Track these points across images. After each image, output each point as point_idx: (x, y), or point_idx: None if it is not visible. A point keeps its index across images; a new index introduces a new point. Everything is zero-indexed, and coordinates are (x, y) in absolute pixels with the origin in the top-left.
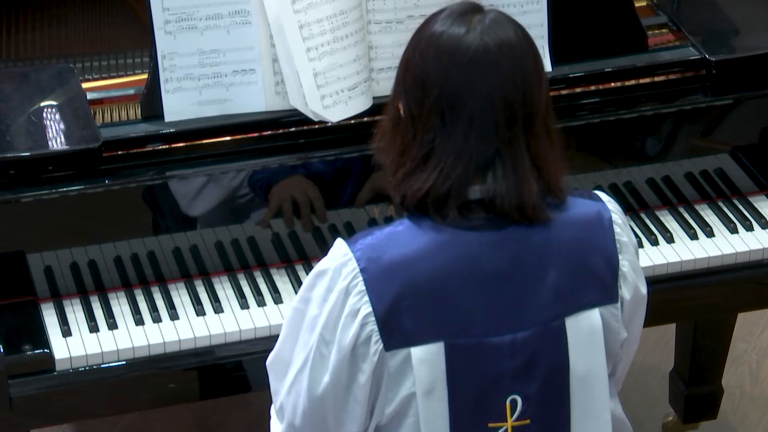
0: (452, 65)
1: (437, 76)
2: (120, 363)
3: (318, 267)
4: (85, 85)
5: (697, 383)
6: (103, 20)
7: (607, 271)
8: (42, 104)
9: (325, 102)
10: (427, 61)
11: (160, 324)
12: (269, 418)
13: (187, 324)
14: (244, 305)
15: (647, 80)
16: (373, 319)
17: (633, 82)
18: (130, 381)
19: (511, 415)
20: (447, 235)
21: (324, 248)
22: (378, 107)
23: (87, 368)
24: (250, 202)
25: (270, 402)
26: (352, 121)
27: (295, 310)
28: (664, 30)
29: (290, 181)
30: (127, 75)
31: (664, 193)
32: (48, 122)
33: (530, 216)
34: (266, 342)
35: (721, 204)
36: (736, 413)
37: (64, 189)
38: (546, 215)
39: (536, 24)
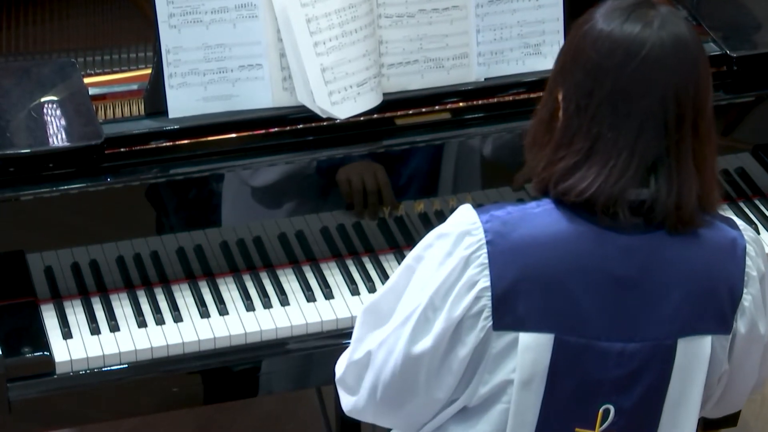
0: (628, 60)
1: (611, 69)
2: (122, 366)
3: (440, 229)
4: (87, 81)
5: None
6: (106, 14)
7: (728, 302)
8: (43, 100)
9: (333, 98)
10: (601, 54)
11: (163, 326)
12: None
13: (191, 326)
14: (250, 307)
15: None
16: (489, 294)
17: None
18: (133, 384)
19: (601, 425)
20: (582, 228)
21: (330, 249)
22: (388, 103)
23: (88, 371)
24: (256, 201)
25: (276, 404)
26: (362, 118)
27: (406, 267)
28: None
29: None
30: (130, 70)
31: None
32: (49, 118)
33: (686, 219)
34: (272, 345)
35: (742, 205)
36: (758, 420)
37: (66, 187)
38: (700, 221)
39: (552, 18)
